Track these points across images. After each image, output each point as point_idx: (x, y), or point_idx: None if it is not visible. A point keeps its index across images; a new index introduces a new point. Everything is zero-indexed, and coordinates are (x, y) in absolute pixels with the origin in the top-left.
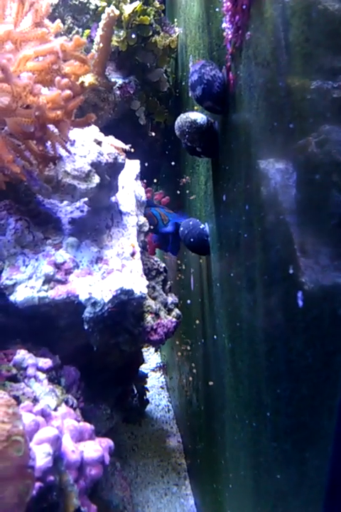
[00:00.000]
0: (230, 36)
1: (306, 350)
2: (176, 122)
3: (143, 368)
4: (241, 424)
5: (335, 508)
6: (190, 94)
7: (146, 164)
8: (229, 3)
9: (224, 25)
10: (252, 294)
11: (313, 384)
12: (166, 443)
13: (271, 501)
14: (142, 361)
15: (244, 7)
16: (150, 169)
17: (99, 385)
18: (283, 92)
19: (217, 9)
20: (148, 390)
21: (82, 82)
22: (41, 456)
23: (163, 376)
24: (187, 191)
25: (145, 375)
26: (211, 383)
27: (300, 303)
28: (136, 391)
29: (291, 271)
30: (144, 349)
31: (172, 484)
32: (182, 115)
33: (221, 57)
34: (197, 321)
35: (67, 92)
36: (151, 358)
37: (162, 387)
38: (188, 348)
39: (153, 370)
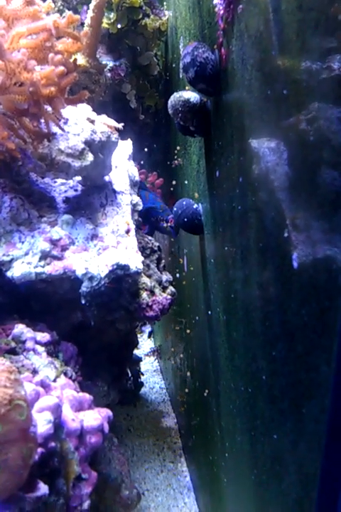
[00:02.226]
0: (222, 12)
1: (301, 309)
2: (169, 101)
3: (137, 352)
4: (237, 392)
5: (336, 455)
6: (180, 76)
7: (137, 147)
8: None
9: (215, 1)
10: (247, 264)
11: (309, 340)
12: (161, 423)
13: (268, 462)
14: (136, 343)
15: None
16: (141, 152)
17: (95, 364)
18: (275, 63)
19: None
20: (142, 374)
21: (75, 59)
22: (42, 423)
23: (156, 360)
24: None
25: (140, 359)
26: (206, 392)
27: (295, 264)
28: (130, 374)
29: (286, 234)
30: (138, 335)
31: (168, 462)
32: (175, 94)
33: (212, 34)
34: (192, 300)
35: (61, 68)
36: (144, 344)
37: (156, 371)
38: (182, 327)
39: (147, 355)
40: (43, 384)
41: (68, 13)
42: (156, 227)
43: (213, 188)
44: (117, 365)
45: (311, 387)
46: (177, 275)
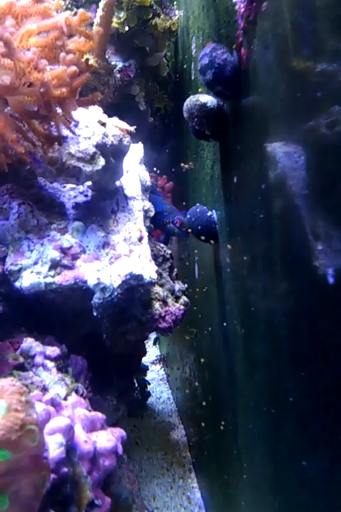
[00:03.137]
0: (242, 10)
1: (338, 328)
2: (185, 104)
3: (143, 360)
4: (258, 412)
5: None
6: (192, 77)
7: (146, 151)
8: None
9: None
10: (271, 276)
11: None
12: (169, 436)
13: (295, 490)
14: (145, 352)
15: None
16: (150, 156)
17: (104, 376)
18: (306, 64)
19: None
20: (149, 383)
21: (87, 59)
22: (54, 447)
23: (162, 369)
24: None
25: (146, 368)
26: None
27: (331, 279)
28: (136, 384)
29: (320, 247)
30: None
31: (178, 477)
32: (191, 97)
33: (230, 34)
34: (203, 309)
35: (73, 68)
36: (150, 351)
37: (162, 380)
38: (193, 337)
39: (153, 363)
40: (54, 403)
41: (80, 10)
42: (164, 231)
43: (230, 194)
44: (126, 376)
45: None
46: (187, 282)
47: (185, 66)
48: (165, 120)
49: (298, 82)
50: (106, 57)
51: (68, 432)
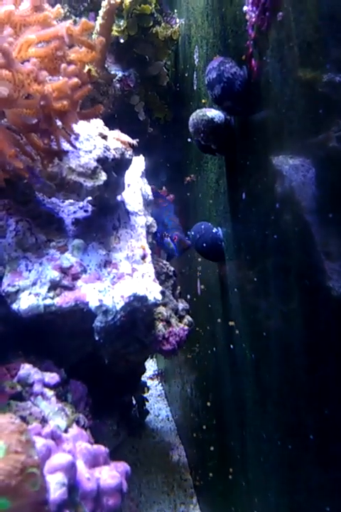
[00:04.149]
0: (254, 20)
1: None
2: (191, 119)
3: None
4: (271, 445)
5: None
6: (194, 88)
7: (145, 161)
8: None
9: (245, 8)
10: (286, 301)
11: None
12: (169, 457)
13: None
14: (144, 370)
15: None
16: (150, 166)
17: (103, 397)
18: (328, 77)
19: None
20: (147, 400)
21: (89, 70)
22: (55, 487)
23: (160, 384)
24: (190, 191)
25: (144, 384)
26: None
27: None
28: (134, 401)
29: (332, 265)
30: None
31: (179, 503)
32: (198, 112)
33: (238, 44)
34: (205, 328)
35: (75, 79)
36: (147, 365)
37: (160, 396)
38: (194, 356)
39: (150, 378)
40: (54, 436)
41: (82, 20)
42: (160, 243)
43: (238, 211)
44: (125, 397)
45: None
46: (188, 296)
47: (186, 75)
48: (165, 130)
49: (313, 94)
50: (106, 66)
51: (70, 469)
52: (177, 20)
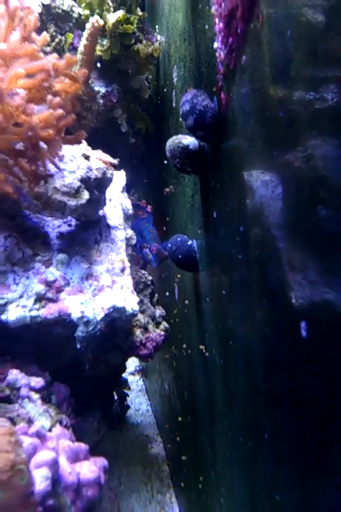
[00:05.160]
0: (222, 57)
1: (310, 380)
2: (167, 144)
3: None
4: (235, 443)
5: None
6: (173, 105)
7: (127, 170)
8: (221, 25)
9: (215, 45)
10: (248, 317)
11: (320, 414)
12: (148, 450)
13: None
14: (124, 369)
15: (239, 31)
16: (131, 176)
17: (85, 396)
18: (282, 123)
19: (206, 26)
20: (128, 395)
21: (73, 101)
22: (40, 480)
23: (141, 379)
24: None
25: (126, 381)
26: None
27: (304, 333)
28: (116, 397)
29: (293, 300)
30: None
31: (156, 492)
32: (174, 139)
33: (210, 75)
34: (183, 330)
35: (60, 111)
36: (129, 361)
37: (141, 391)
38: (172, 356)
39: (132, 374)
40: (39, 434)
41: (67, 55)
42: (140, 253)
43: (210, 227)
44: (106, 394)
45: (321, 462)
46: (167, 302)
47: (165, 91)
48: (146, 140)
49: (274, 136)
50: (90, 82)
51: (53, 465)
52: (158, 37)
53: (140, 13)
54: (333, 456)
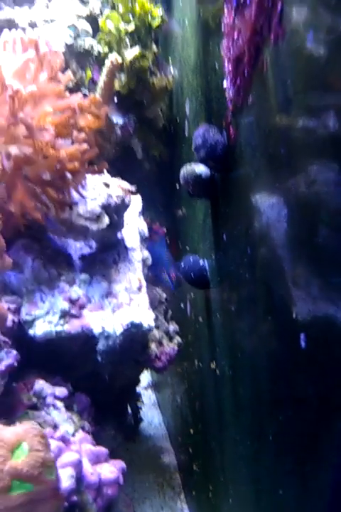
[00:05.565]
0: (231, 96)
1: (308, 387)
2: (181, 172)
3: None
4: (242, 446)
5: None
6: (186, 134)
7: (142, 195)
8: (230, 67)
9: (225, 84)
10: (254, 332)
11: (316, 416)
12: (161, 459)
13: None
14: (139, 382)
15: (246, 74)
16: (146, 199)
17: (103, 406)
18: (284, 157)
19: (216, 64)
20: (141, 409)
21: (97, 136)
22: (66, 479)
23: (154, 394)
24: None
25: (139, 395)
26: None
27: (303, 344)
28: (130, 410)
29: (294, 315)
30: None
31: (168, 498)
32: (187, 168)
33: (220, 110)
34: (194, 346)
35: (84, 145)
36: (142, 377)
37: (153, 405)
38: (183, 369)
39: (145, 388)
40: (64, 439)
41: (91, 95)
42: (157, 277)
43: (220, 249)
44: (122, 405)
45: (316, 455)
46: (180, 318)
47: (178, 120)
48: (160, 166)
49: (280, 175)
50: (108, 114)
51: (77, 465)
52: (171, 69)
53: (155, 49)
54: (327, 453)
